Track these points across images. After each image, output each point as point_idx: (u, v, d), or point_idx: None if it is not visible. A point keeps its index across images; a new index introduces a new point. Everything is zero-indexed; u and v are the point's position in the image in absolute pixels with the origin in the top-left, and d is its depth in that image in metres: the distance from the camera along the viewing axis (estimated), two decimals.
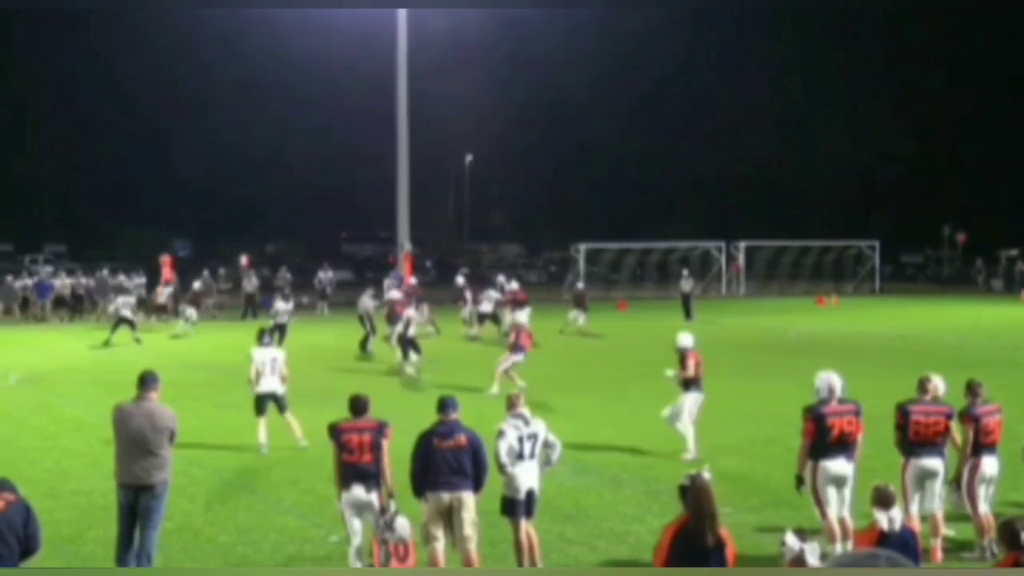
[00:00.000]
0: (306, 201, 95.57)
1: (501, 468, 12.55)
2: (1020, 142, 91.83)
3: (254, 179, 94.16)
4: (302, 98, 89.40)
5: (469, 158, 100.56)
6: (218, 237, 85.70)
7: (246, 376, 20.03)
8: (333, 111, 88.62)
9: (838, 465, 12.77)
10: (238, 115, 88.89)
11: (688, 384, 19.10)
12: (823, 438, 12.76)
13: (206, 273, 52.87)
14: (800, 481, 12.93)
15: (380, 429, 12.44)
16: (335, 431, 12.50)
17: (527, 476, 12.60)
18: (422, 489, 12.08)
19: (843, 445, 12.81)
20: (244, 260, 56.35)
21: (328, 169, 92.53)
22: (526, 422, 12.75)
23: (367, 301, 36.23)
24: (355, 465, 12.28)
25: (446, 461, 12.01)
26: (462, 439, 12.17)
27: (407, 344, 30.31)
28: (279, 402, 19.84)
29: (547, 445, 12.90)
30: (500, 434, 12.68)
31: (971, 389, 13.71)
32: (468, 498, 12.05)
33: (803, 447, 12.94)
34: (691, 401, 19.11)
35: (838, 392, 12.99)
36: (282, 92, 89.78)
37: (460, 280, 44.64)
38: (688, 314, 47.11)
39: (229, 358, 31.99)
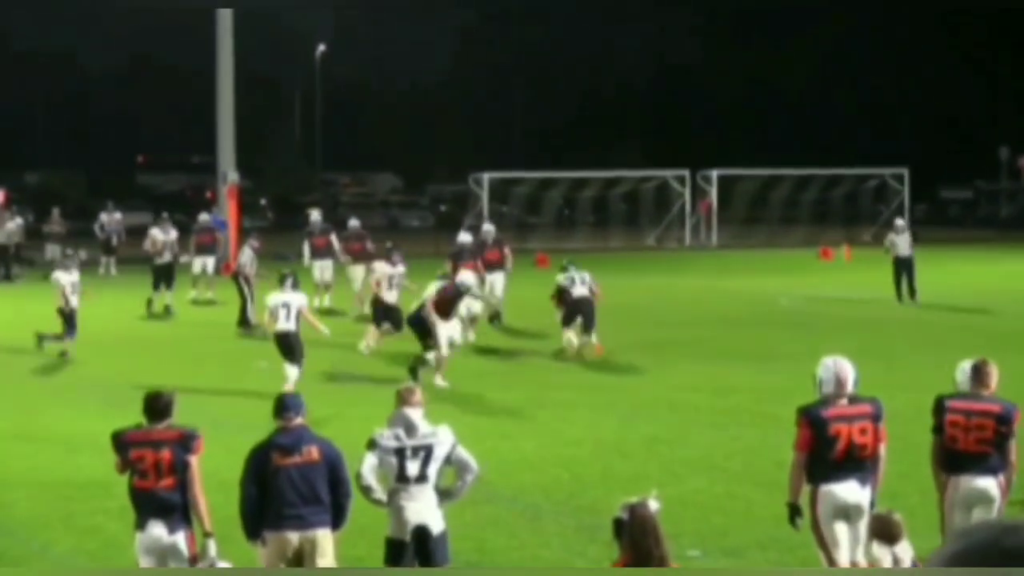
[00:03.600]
0: (87, 114, 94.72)
1: (365, 492, 12.41)
2: None
3: (13, 85, 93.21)
4: None
5: (322, 48, 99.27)
6: None
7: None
8: None
9: (848, 490, 12.74)
10: None
11: None
12: (824, 452, 12.74)
13: None
14: (796, 511, 12.94)
15: (184, 441, 12.29)
16: (119, 444, 12.32)
17: (416, 508, 12.36)
18: (256, 529, 12.01)
19: (854, 461, 12.80)
20: None
21: (119, 68, 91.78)
22: (410, 430, 12.51)
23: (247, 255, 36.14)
24: (150, 492, 12.15)
25: (292, 485, 11.96)
26: (313, 452, 12.10)
27: None
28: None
29: (453, 464, 12.69)
30: (370, 444, 12.52)
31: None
32: (324, 538, 12.04)
33: (795, 463, 12.97)
34: None
35: (849, 387, 12.98)
36: None
37: (315, 215, 42.82)
38: (903, 291, 39.68)
39: None
